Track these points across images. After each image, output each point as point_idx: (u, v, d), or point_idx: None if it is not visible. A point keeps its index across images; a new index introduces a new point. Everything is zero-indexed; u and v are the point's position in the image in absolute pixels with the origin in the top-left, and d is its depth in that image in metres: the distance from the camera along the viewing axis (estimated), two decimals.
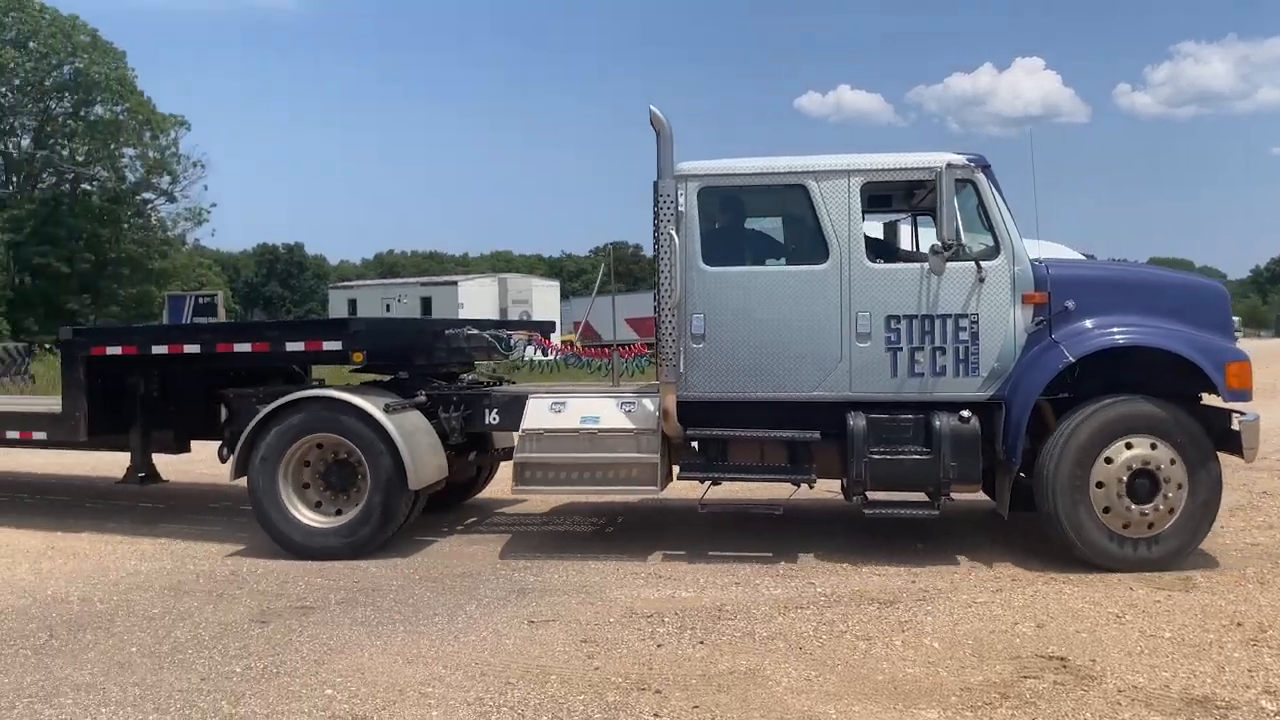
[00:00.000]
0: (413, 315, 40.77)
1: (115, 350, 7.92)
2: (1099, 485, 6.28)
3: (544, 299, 35.11)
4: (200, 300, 31.80)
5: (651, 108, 6.78)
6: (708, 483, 7.17)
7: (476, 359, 8.91)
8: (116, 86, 49.44)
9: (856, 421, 6.56)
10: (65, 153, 50.63)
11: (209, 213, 56.90)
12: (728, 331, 6.77)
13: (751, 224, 7.52)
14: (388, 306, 44.69)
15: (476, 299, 42.02)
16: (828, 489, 7.65)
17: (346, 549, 7.06)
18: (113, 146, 50.95)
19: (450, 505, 8.70)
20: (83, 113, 50.11)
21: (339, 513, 7.22)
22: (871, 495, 6.66)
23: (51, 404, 8.48)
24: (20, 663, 4.87)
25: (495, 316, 36.27)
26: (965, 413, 6.48)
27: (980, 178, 6.61)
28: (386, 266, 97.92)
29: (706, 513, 7.16)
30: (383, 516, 7.04)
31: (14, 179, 51.08)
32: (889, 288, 6.65)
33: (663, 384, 6.82)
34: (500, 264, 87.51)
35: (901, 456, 6.52)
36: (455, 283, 44.37)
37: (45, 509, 9.30)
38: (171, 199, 54.32)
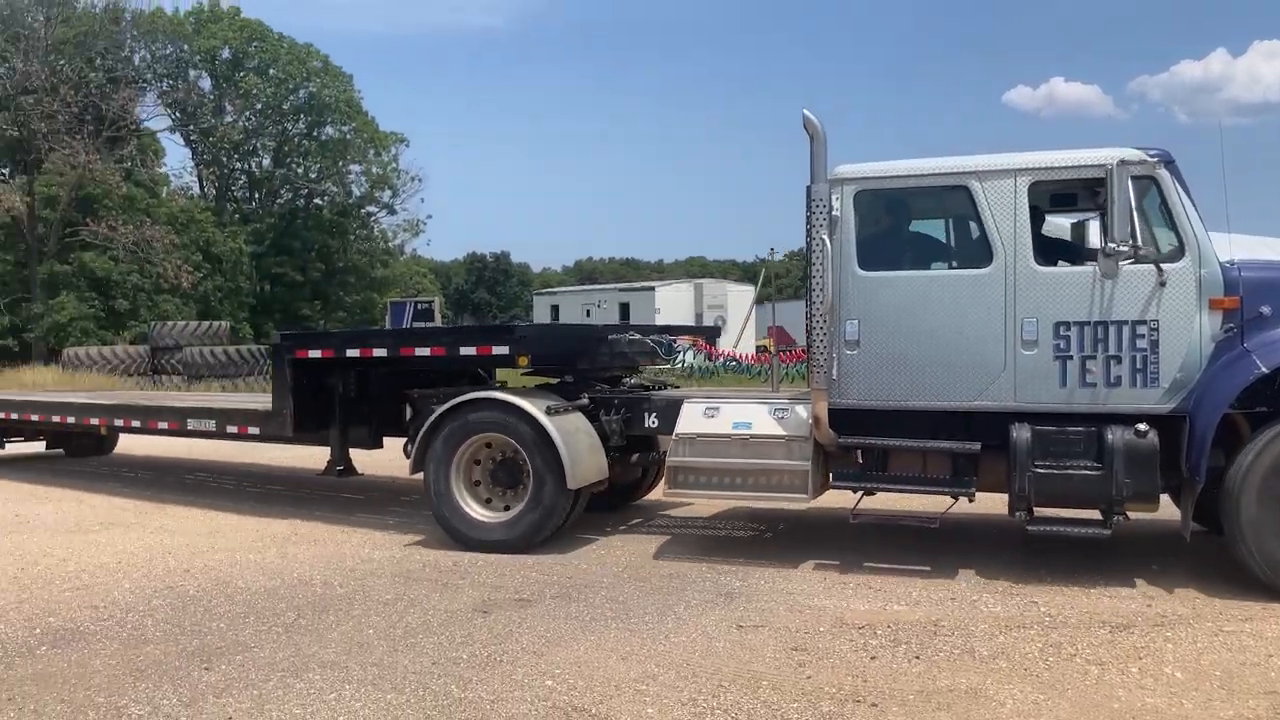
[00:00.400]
0: (611, 320, 41.71)
1: (316, 353, 8.54)
2: None
3: (739, 303, 35.08)
4: (419, 306, 33.80)
5: (805, 112, 6.65)
6: (860, 493, 6.99)
7: (640, 363, 9.03)
8: (345, 108, 53.34)
9: (1020, 433, 6.21)
10: (300, 170, 55.05)
11: (425, 224, 60.53)
12: (883, 337, 6.58)
13: (910, 227, 7.23)
14: (588, 312, 45.94)
15: (673, 304, 42.53)
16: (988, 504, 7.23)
17: (509, 543, 7.34)
18: (341, 164, 55.00)
19: (617, 506, 8.85)
20: (315, 133, 54.36)
21: (505, 508, 7.54)
22: (1037, 512, 6.29)
23: (264, 402, 9.24)
24: (273, 639, 5.32)
25: (691, 321, 36.62)
26: (1142, 426, 6.03)
27: (1163, 174, 6.13)
28: (585, 273, 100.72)
29: (857, 523, 6.96)
30: (543, 513, 7.30)
31: (256, 195, 56.03)
32: (1058, 292, 6.26)
33: (814, 390, 6.70)
34: (695, 269, 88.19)
35: (1070, 471, 6.13)
36: (652, 288, 45.04)
37: (268, 497, 10.13)
38: (392, 211, 58.09)
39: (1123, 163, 5.96)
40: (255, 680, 4.65)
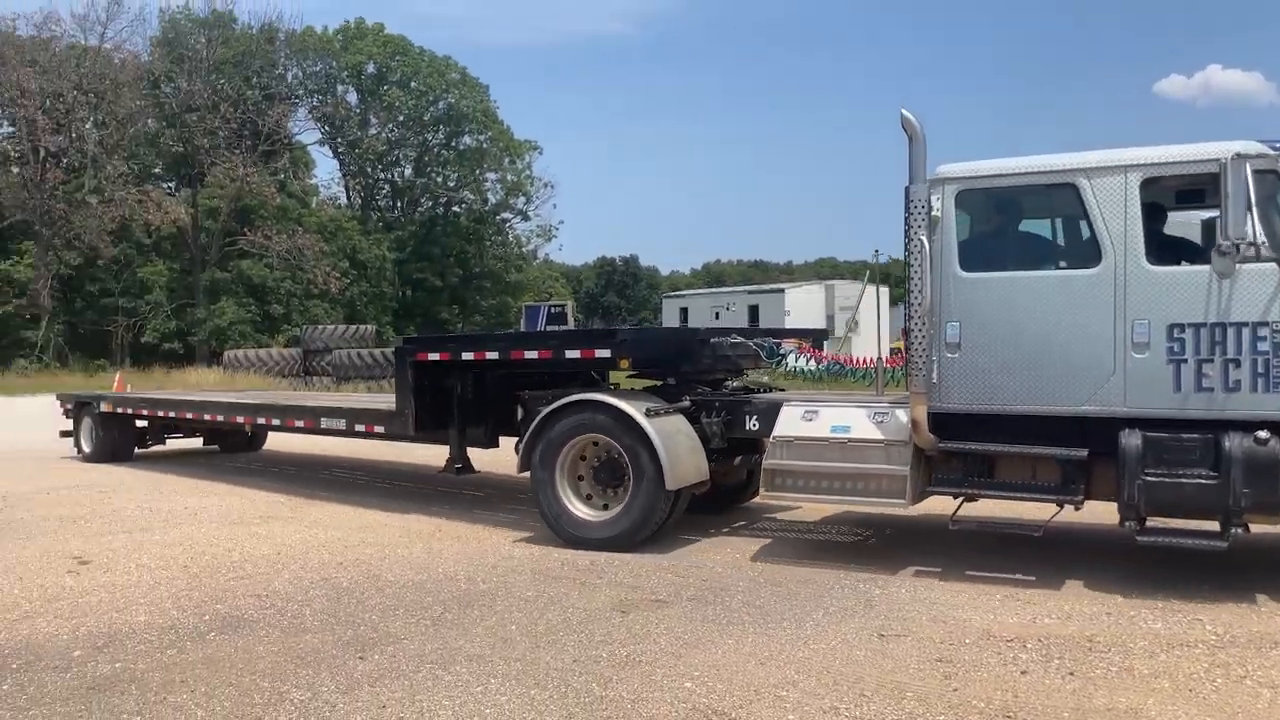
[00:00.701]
0: (740, 322, 41.55)
1: (434, 356, 8.87)
2: None
3: (872, 305, 34.37)
4: (553, 309, 34.45)
5: (903, 111, 6.51)
6: (960, 499, 6.83)
7: (743, 366, 9.02)
8: (481, 118, 54.90)
9: (1130, 440, 5.96)
10: (439, 179, 56.95)
11: (557, 229, 61.72)
12: (986, 340, 6.41)
13: (1014, 227, 6.99)
14: (716, 314, 45.91)
15: (804, 306, 42.04)
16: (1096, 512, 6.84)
17: (609, 541, 7.49)
18: (478, 172, 56.64)
19: (723, 508, 8.83)
20: (454, 143, 56.15)
21: (605, 507, 7.70)
22: (1150, 522, 6.05)
23: (389, 403, 9.63)
24: (421, 631, 5.51)
25: (822, 324, 36.09)
26: (1263, 433, 5.71)
27: None
28: (714, 276, 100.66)
29: (956, 529, 6.74)
30: (642, 513, 7.41)
31: (398, 204, 58.23)
32: (1172, 293, 5.96)
33: (913, 394, 6.56)
34: (825, 270, 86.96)
35: (1182, 480, 5.84)
36: (782, 290, 44.67)
37: (409, 495, 10.48)
38: (525, 217, 59.48)
39: (1239, 156, 5.63)
40: (406, 671, 4.83)
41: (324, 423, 10.44)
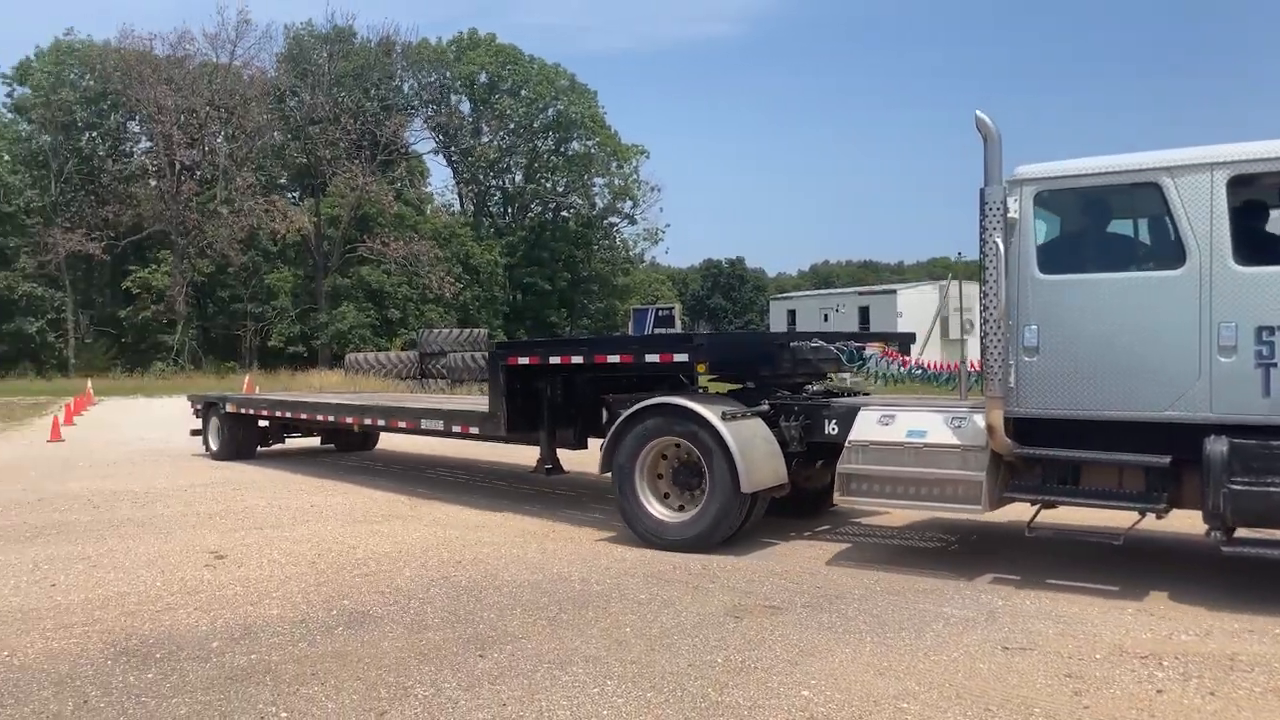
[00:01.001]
0: (850, 324, 40.91)
1: (524, 360, 9.10)
2: None
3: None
4: (660, 312, 34.59)
5: (978, 113, 6.40)
6: (1038, 505, 6.70)
7: (825, 370, 8.98)
8: (589, 123, 55.55)
9: (1215, 446, 5.73)
10: (548, 185, 57.86)
11: (663, 232, 61.97)
12: (1064, 344, 6.30)
13: (1095, 228, 6.75)
14: (825, 316, 45.29)
15: (916, 307, 41.08)
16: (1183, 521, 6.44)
17: (685, 542, 7.61)
18: (586, 177, 57.33)
19: (807, 513, 8.76)
20: (562, 149, 56.99)
21: (682, 509, 7.82)
22: (1238, 532, 5.82)
23: (483, 405, 9.91)
24: (538, 631, 5.60)
25: (936, 325, 35.15)
26: None
27: None
28: (821, 277, 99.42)
29: (1033, 536, 6.62)
30: (718, 515, 7.48)
31: (509, 210, 59.39)
32: (1262, 294, 5.72)
33: (989, 399, 6.46)
34: (939, 270, 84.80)
35: (1271, 489, 5.59)
36: (894, 291, 43.77)
37: (520, 495, 10.65)
38: (632, 221, 59.92)
39: None
40: (525, 670, 4.91)
41: (424, 424, 10.87)
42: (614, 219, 59.90)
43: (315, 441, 15.44)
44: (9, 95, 48.70)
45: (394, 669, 4.94)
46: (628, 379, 8.98)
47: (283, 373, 37.57)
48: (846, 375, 9.27)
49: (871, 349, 8.54)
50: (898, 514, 8.76)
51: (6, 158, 46.50)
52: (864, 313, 43.97)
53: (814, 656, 5.11)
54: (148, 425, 18.46)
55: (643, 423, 7.92)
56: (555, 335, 49.20)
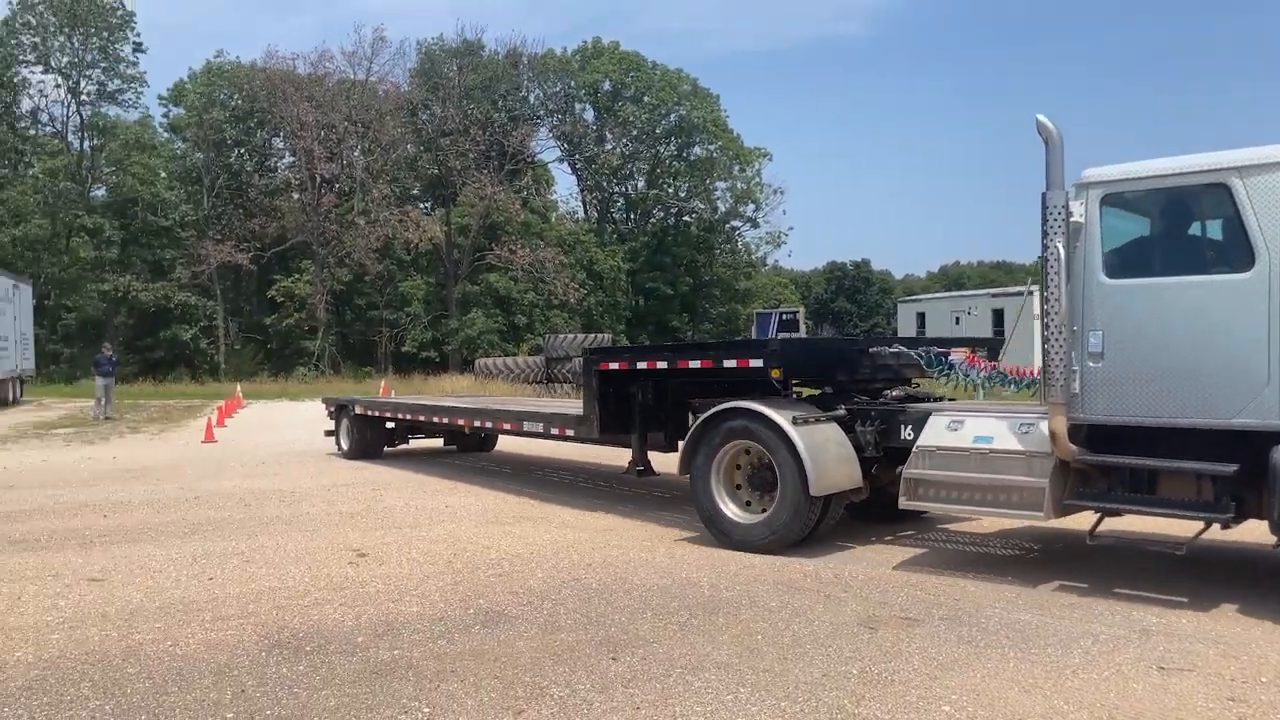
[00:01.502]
0: (982, 328, 39.62)
1: (614, 365, 9.49)
2: None
3: None
4: (784, 316, 34.27)
5: (1039, 117, 6.35)
6: (1100, 514, 6.73)
7: (908, 376, 8.97)
8: (712, 128, 55.54)
9: None
10: (670, 190, 58.10)
11: (786, 235, 61.42)
12: (1130, 349, 6.21)
13: (1163, 231, 6.62)
14: (956, 319, 44.01)
15: None
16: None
17: (758, 544, 7.79)
18: (708, 181, 57.34)
19: (891, 517, 8.65)
20: (684, 154, 57.14)
21: (756, 509, 7.99)
22: None
23: (579, 408, 10.22)
24: (670, 636, 5.60)
25: (1015, 329, 33.71)
26: None
27: None
28: (951, 279, 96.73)
29: (1094, 544, 6.72)
30: (789, 517, 7.64)
31: (632, 215, 59.87)
32: None
33: (1051, 405, 6.43)
34: None
35: None
36: (1031, 292, 42.02)
37: (645, 500, 10.67)
38: (755, 225, 59.62)
39: None
40: (657, 674, 4.93)
41: (525, 425, 11.35)
42: (736, 223, 59.72)
43: (439, 443, 16.03)
44: (165, 116, 52.03)
45: (529, 668, 5.03)
46: (719, 384, 8.97)
47: (416, 377, 38.85)
48: (934, 380, 9.12)
49: (956, 354, 8.42)
50: (987, 521, 8.62)
51: (164, 175, 49.62)
52: (998, 315, 42.53)
53: (954, 670, 4.95)
54: (292, 427, 19.36)
55: (717, 426, 8.12)
56: (677, 340, 49.34)
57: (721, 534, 8.11)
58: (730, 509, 8.12)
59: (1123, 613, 5.98)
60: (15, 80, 47.88)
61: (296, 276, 47.66)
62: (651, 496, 10.89)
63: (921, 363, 8.40)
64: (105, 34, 48.43)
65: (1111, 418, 6.34)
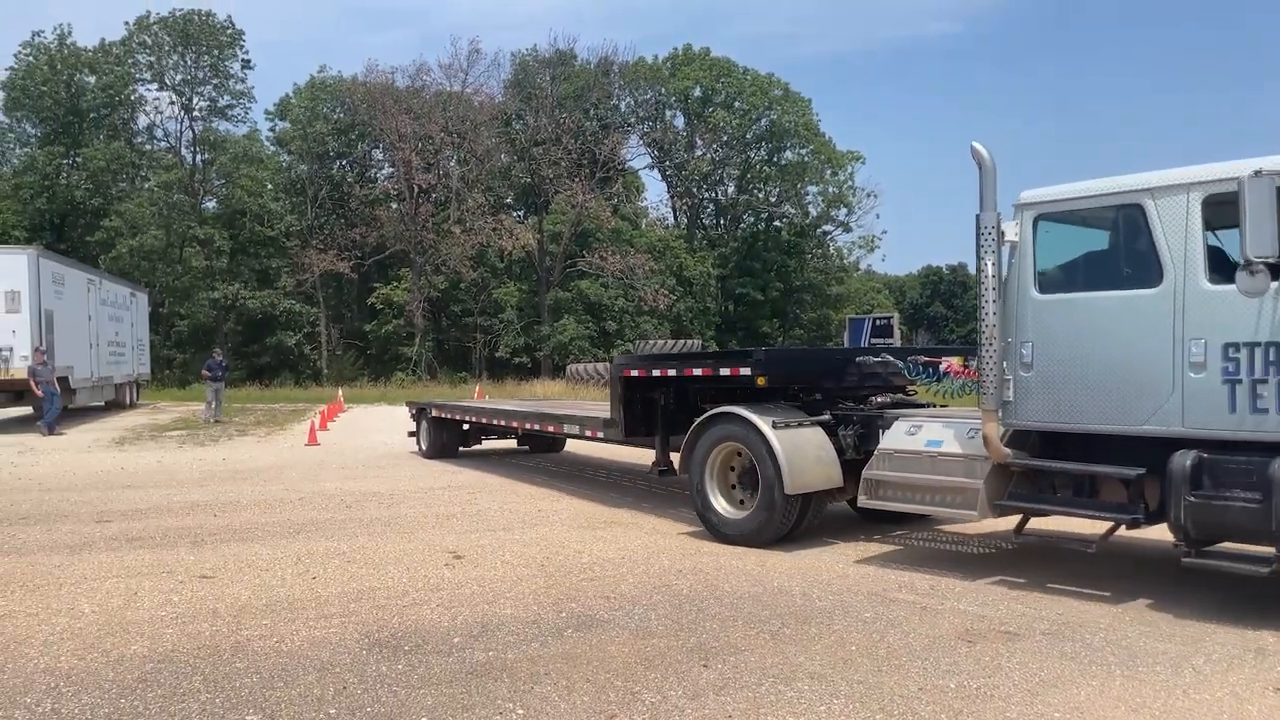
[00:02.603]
0: None
1: (635, 372, 10.07)
2: None
3: None
4: (878, 321, 33.71)
5: (974, 144, 6.85)
6: (1023, 514, 7.14)
7: (896, 384, 9.28)
8: (803, 132, 55.04)
9: (1179, 460, 5.96)
10: (761, 195, 57.76)
11: (880, 239, 60.43)
12: (1056, 360, 6.64)
13: (1087, 249, 7.02)
14: None
15: None
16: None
17: (742, 537, 8.41)
18: (799, 186, 56.84)
19: (889, 517, 9.02)
20: (775, 158, 56.76)
21: (742, 505, 8.58)
22: (1202, 544, 6.02)
23: (608, 412, 10.81)
24: (761, 644, 5.57)
25: None
26: None
27: None
28: None
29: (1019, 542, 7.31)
30: (768, 513, 8.21)
31: (721, 221, 59.72)
32: (1229, 312, 5.85)
33: (984, 412, 6.89)
34: None
35: (1225, 502, 5.80)
36: None
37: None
38: (847, 229, 58.84)
39: (1258, 173, 5.55)
40: (749, 683, 4.90)
41: (565, 428, 12.04)
42: (828, 227, 58.98)
43: (512, 444, 16.56)
44: (272, 130, 54.02)
45: (621, 673, 5.06)
46: (732, 391, 9.24)
47: (509, 382, 39.45)
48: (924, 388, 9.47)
49: (946, 364, 8.69)
50: (1088, 531, 8.14)
51: (270, 186, 51.52)
52: None
53: (1056, 688, 4.81)
54: (390, 431, 19.84)
55: (709, 429, 8.80)
56: (768, 345, 49.00)
57: (712, 527, 8.73)
58: (720, 504, 8.74)
59: (1236, 631, 5.72)
60: (133, 98, 50.37)
61: (395, 284, 48.91)
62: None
63: (904, 371, 8.86)
64: (216, 52, 50.55)
65: (1042, 424, 6.80)
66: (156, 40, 50.15)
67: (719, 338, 51.96)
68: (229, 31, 50.66)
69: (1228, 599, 6.46)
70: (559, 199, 49.52)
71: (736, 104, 55.06)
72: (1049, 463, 6.84)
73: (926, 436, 7.54)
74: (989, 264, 6.78)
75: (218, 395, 25.01)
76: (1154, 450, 6.18)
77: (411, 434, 17.06)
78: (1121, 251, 6.82)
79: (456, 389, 36.97)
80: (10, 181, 48.91)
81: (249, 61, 51.46)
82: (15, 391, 22.06)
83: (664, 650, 5.45)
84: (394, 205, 50.27)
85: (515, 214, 53.26)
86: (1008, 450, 6.86)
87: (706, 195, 59.62)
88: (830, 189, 57.18)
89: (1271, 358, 5.71)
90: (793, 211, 57.81)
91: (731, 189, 58.77)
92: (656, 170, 58.24)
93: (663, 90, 55.32)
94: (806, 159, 56.25)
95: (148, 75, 50.57)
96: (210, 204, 51.83)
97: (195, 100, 51.09)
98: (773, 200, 57.68)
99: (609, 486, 12.69)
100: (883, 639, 5.64)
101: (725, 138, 55.84)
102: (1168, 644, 5.50)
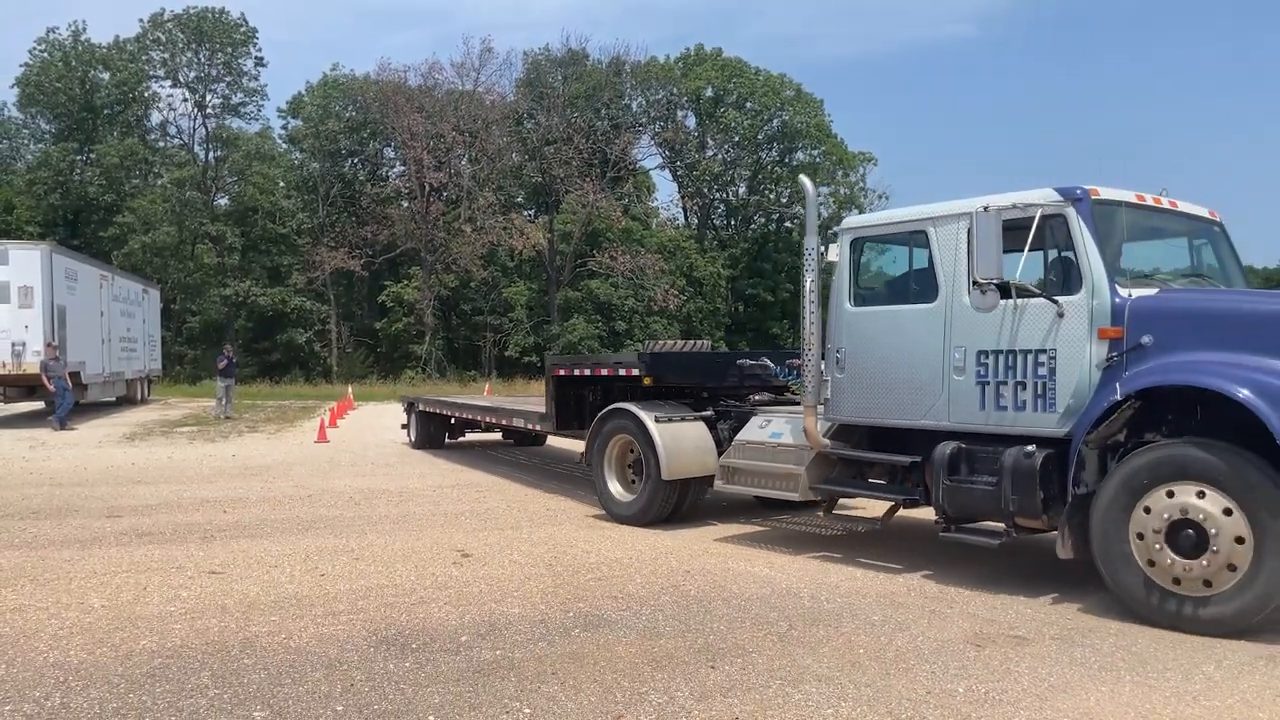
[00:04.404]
0: None
1: (562, 371, 11.16)
2: (1139, 536, 5.97)
3: None
4: None
5: (801, 178, 8.48)
6: (826, 497, 8.34)
7: (774, 384, 10.18)
8: (815, 132, 54.92)
9: (941, 449, 7.06)
10: (772, 196, 57.62)
11: None
12: (862, 364, 7.78)
13: (889, 269, 8.28)
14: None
15: None
16: None
17: (629, 517, 9.58)
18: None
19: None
20: (786, 159, 56.62)
21: (633, 491, 9.67)
22: (960, 522, 7.06)
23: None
24: (769, 646, 5.56)
25: None
26: (1030, 448, 6.55)
27: (1070, 213, 6.59)
28: None
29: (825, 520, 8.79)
30: (649, 496, 9.38)
31: (732, 222, 59.61)
32: (980, 324, 6.90)
33: (806, 407, 8.00)
34: None
35: (971, 485, 6.88)
36: None
37: (737, 509, 10.59)
38: None
39: (985, 209, 6.52)
40: (756, 684, 4.89)
41: (514, 421, 13.26)
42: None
43: (498, 436, 17.01)
44: (284, 127, 54.16)
45: (628, 674, 5.05)
46: (655, 390, 10.10)
47: (518, 380, 39.47)
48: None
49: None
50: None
51: (282, 184, 51.66)
52: None
53: (1065, 693, 4.79)
54: (399, 429, 19.86)
55: (608, 423, 9.91)
56: (777, 348, 48.92)
57: (607, 508, 9.92)
58: (614, 488, 9.89)
59: (1248, 639, 5.67)
60: (146, 95, 50.57)
61: (406, 282, 48.98)
62: (749, 508, 10.80)
63: (776, 373, 9.83)
64: (229, 49, 50.72)
65: (853, 418, 7.96)
66: (170, 37, 50.35)
67: (728, 339, 51.87)
68: (242, 29, 50.84)
69: None
70: (570, 198, 49.51)
71: (748, 104, 54.95)
72: (851, 451, 7.99)
73: (772, 429, 8.64)
74: (809, 280, 7.90)
75: (228, 392, 25.08)
76: (933, 441, 7.21)
77: (403, 426, 18.09)
78: (913, 272, 7.96)
79: (466, 387, 37.04)
80: (24, 177, 49.16)
81: (262, 59, 51.69)
82: (27, 386, 22.18)
83: (671, 651, 5.44)
84: (405, 204, 50.35)
85: (526, 213, 53.26)
86: (826, 441, 7.99)
87: (717, 196, 59.50)
88: (842, 190, 57.01)
89: (1007, 364, 6.79)
90: (804, 212, 57.63)
91: (742, 189, 58.66)
92: (667, 170, 58.16)
93: (674, 90, 55.22)
94: (818, 160, 56.09)
95: (161, 72, 50.79)
96: (222, 201, 51.96)
97: (208, 97, 51.32)
98: (784, 201, 57.52)
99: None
100: (891, 642, 5.62)
101: (737, 138, 55.72)
102: (1178, 651, 5.46)
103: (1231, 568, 5.61)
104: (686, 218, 59.33)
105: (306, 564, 7.74)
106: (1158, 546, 5.84)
